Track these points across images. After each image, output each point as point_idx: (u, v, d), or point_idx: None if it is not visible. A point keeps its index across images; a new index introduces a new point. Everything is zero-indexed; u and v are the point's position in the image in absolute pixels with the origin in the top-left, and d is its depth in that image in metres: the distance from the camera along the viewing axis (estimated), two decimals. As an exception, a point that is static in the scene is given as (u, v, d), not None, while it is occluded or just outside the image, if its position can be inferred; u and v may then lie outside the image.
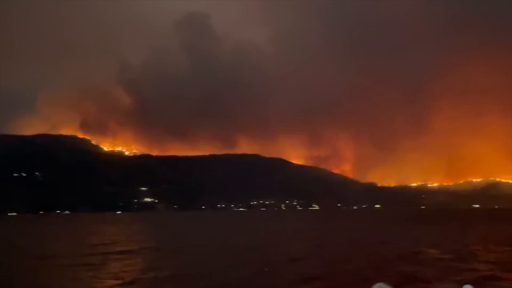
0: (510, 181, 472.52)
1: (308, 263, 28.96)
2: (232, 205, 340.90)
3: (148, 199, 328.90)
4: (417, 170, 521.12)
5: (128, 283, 22.17)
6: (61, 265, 29.39)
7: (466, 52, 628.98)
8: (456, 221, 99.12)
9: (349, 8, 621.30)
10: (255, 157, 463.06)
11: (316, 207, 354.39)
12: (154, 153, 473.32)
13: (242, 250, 38.07)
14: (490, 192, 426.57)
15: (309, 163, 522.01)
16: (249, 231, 71.96)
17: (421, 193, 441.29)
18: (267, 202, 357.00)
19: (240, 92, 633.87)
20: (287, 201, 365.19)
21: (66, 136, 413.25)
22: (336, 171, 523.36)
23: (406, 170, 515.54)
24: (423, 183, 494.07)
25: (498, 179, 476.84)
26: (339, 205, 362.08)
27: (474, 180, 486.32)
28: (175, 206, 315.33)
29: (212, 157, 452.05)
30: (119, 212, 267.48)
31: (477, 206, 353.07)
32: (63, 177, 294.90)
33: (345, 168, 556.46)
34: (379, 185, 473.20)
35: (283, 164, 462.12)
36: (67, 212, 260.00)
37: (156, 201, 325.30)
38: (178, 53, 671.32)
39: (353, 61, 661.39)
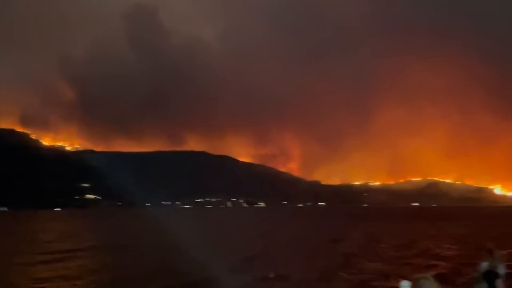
0: (448, 181, 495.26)
1: (266, 261, 28.01)
2: (178, 202, 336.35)
3: (91, 196, 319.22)
4: (360, 169, 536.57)
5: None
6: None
7: (410, 55, 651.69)
8: (398, 218, 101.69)
9: (298, 9, 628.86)
10: (203, 154, 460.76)
11: (262, 205, 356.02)
12: (99, 148, 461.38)
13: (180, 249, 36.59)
14: (429, 191, 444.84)
15: (256, 161, 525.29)
16: (190, 228, 70.26)
17: (364, 191, 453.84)
18: (213, 200, 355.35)
19: (188, 88, 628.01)
20: (233, 199, 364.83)
21: (2, 130, 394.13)
22: (282, 169, 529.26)
23: (350, 169, 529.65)
24: (365, 181, 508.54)
25: (436, 179, 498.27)
26: (284, 202, 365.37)
27: (414, 179, 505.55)
28: (119, 203, 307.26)
29: (159, 153, 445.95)
30: (58, 209, 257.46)
31: (416, 204, 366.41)
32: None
33: (292, 167, 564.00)
34: (323, 183, 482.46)
35: (230, 161, 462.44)
36: (4, 209, 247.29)
37: (99, 197, 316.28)
38: (125, 47, 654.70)
39: (301, 61, 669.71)
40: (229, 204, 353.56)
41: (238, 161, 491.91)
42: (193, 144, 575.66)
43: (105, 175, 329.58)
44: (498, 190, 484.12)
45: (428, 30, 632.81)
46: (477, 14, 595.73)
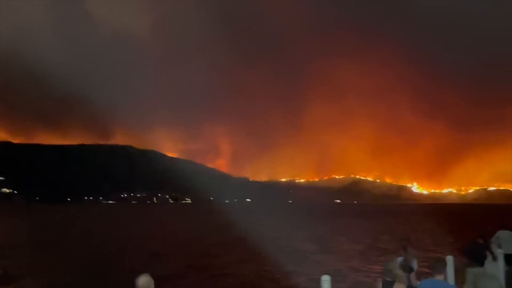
0: (369, 179, 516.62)
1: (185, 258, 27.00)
2: (101, 198, 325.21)
3: (6, 190, 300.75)
4: (288, 166, 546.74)
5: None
6: None
7: (342, 55, 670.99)
8: (319, 215, 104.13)
9: (233, 6, 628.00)
10: (128, 148, 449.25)
11: (189, 201, 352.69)
12: (17, 140, 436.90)
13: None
14: (352, 188, 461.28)
15: (184, 157, 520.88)
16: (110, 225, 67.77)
17: (290, 188, 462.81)
18: (138, 195, 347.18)
19: (116, 81, 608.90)
20: (159, 194, 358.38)
21: None
22: (211, 165, 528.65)
23: (278, 165, 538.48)
24: (291, 178, 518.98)
25: (358, 176, 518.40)
26: (211, 198, 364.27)
27: (338, 176, 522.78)
28: (37, 198, 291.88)
29: (82, 147, 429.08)
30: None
31: (338, 201, 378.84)
32: None
33: (221, 163, 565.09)
34: (251, 179, 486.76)
35: (157, 156, 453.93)
36: None
37: (15, 192, 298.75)
38: (49, 36, 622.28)
39: (235, 57, 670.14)
40: (154, 200, 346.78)
41: (165, 156, 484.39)
42: (120, 138, 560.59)
43: (23, 169, 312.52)
44: (415, 188, 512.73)
45: (359, 31, 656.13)
46: (406, 17, 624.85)
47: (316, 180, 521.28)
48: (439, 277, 6.95)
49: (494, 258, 13.34)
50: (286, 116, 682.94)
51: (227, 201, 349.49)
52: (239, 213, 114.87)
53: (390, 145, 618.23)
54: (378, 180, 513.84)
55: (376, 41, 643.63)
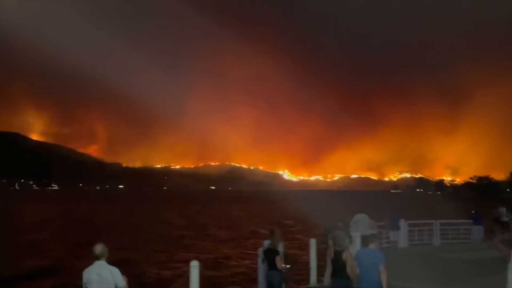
0: (244, 166, 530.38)
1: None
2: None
3: None
4: (167, 152, 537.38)
5: None
6: None
7: (223, 42, 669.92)
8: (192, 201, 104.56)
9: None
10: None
11: (55, 187, 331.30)
12: None
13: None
14: (227, 175, 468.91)
15: (55, 141, 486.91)
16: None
17: (165, 174, 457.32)
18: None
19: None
20: (22, 180, 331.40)
21: None
22: (83, 150, 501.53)
23: (155, 152, 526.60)
24: (167, 165, 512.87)
25: (233, 164, 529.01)
26: (80, 185, 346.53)
27: (213, 163, 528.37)
28: None
29: None
30: None
31: (213, 187, 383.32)
32: None
33: (94, 148, 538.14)
34: (124, 165, 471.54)
35: (20, 139, 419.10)
36: None
37: None
38: None
39: (113, 38, 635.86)
40: (16, 186, 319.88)
41: (29, 139, 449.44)
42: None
43: None
44: (286, 175, 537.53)
45: (240, 18, 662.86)
46: (286, 8, 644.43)
47: (192, 166, 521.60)
48: (372, 246, 9.04)
49: (351, 241, 14.34)
50: (167, 102, 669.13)
51: (98, 188, 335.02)
52: (108, 200, 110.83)
53: (269, 134, 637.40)
54: (252, 168, 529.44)
55: (259, 30, 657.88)
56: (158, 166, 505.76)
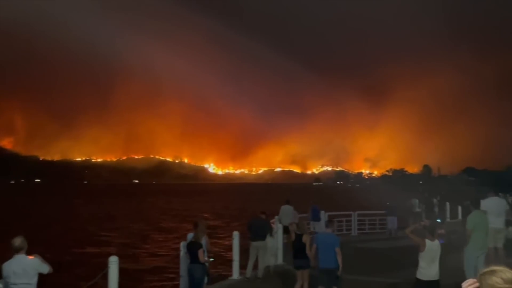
0: (169, 159, 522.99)
1: None
2: None
3: None
4: (88, 145, 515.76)
5: None
6: None
7: (153, 33, 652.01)
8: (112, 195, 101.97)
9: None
10: None
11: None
12: None
13: None
14: (151, 169, 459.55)
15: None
16: None
17: (85, 168, 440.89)
18: None
19: None
20: None
21: None
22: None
23: (76, 145, 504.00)
24: (87, 158, 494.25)
25: (158, 157, 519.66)
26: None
27: (137, 157, 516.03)
28: None
29: None
30: None
31: (136, 181, 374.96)
32: None
33: (9, 140, 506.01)
34: (41, 158, 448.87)
35: None
36: None
37: None
38: None
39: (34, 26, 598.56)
40: None
41: None
42: None
43: None
44: (211, 169, 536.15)
45: (169, 9, 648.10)
46: (221, 2, 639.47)
47: (114, 160, 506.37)
48: (329, 230, 10.37)
49: (272, 232, 14.56)
50: (93, 94, 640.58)
51: (12, 182, 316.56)
52: (20, 193, 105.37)
53: (197, 128, 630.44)
54: (177, 161, 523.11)
55: (187, 23, 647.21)
56: (79, 159, 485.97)
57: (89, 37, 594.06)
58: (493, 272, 1.77)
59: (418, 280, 8.74)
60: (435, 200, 25.73)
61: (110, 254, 8.70)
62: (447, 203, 27.29)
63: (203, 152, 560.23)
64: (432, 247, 8.58)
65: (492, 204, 11.51)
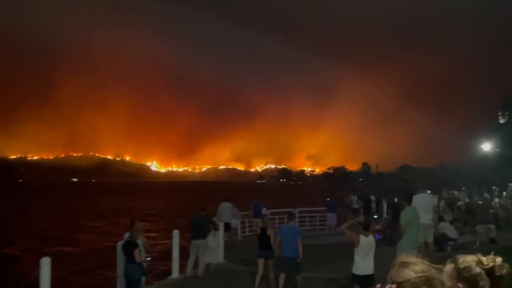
0: (109, 157, 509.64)
1: None
2: None
3: None
4: (24, 142, 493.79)
5: None
6: None
7: (94, 27, 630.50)
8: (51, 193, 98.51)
9: None
10: None
11: None
12: None
13: None
14: (91, 166, 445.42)
15: None
16: None
17: (20, 166, 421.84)
18: None
19: None
20: None
21: None
22: None
23: (12, 141, 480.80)
24: (23, 155, 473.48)
25: (98, 155, 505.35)
26: None
27: (75, 154, 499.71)
28: None
29: None
30: None
31: (75, 180, 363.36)
32: None
33: None
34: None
35: None
36: None
37: None
38: None
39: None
40: None
41: None
42: None
43: None
44: (154, 167, 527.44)
45: (117, 3, 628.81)
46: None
47: (51, 158, 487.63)
48: (291, 223, 11.75)
49: (215, 229, 14.49)
50: (32, 89, 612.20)
51: None
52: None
53: (143, 125, 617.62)
54: (118, 159, 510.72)
55: (132, 17, 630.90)
56: (13, 156, 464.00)
57: (27, 27, 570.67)
58: (405, 265, 1.86)
59: (354, 275, 8.96)
60: (372, 197, 26.45)
61: (40, 255, 8.29)
62: (384, 200, 28.18)
63: (149, 150, 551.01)
64: (366, 243, 8.80)
65: (421, 200, 11.88)
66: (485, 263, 2.03)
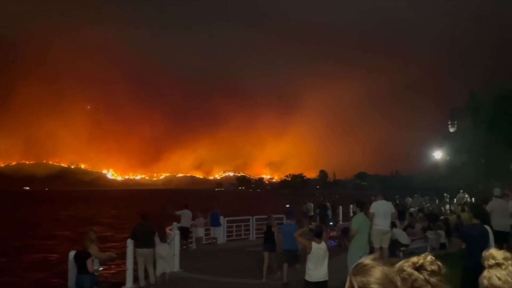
0: (63, 165, 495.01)
1: None
2: None
3: None
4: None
5: None
6: None
7: (54, 34, 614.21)
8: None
9: None
10: None
11: None
12: None
13: None
14: (43, 174, 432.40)
15: None
16: None
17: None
18: None
19: None
20: None
21: None
22: None
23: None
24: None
25: (51, 162, 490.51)
26: None
27: (28, 162, 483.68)
28: None
29: None
30: None
31: (27, 188, 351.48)
32: None
33: None
34: None
35: None
36: None
37: None
38: None
39: None
40: None
41: None
42: None
43: None
44: (110, 175, 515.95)
45: (78, 12, 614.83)
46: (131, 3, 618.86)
47: (2, 165, 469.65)
48: (291, 221, 13.31)
49: (161, 240, 13.72)
50: None
51: None
52: None
53: (105, 132, 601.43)
54: (73, 167, 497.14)
55: (95, 25, 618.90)
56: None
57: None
58: (363, 271, 1.85)
59: (306, 281, 9.03)
60: (328, 204, 26.84)
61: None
62: (340, 207, 28.68)
63: (111, 158, 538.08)
64: (318, 249, 8.90)
65: (380, 207, 12.27)
66: (416, 261, 2.11)
